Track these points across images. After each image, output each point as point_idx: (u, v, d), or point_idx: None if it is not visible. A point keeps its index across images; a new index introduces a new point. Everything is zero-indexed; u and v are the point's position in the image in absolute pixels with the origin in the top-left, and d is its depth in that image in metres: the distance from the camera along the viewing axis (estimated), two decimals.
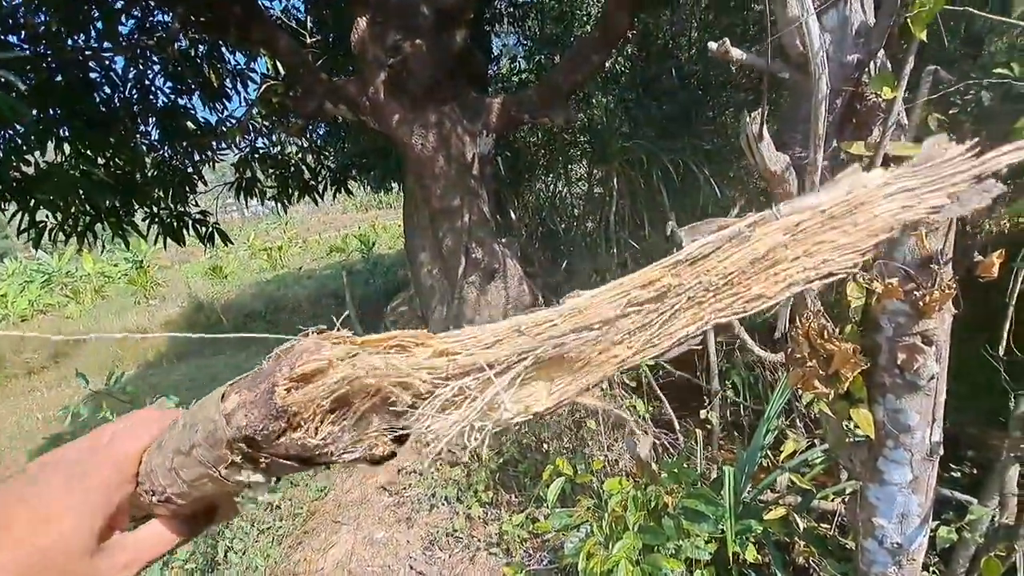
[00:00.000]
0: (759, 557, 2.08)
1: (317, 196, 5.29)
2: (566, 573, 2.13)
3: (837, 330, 1.51)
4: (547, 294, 4.70)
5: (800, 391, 2.52)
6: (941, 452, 1.65)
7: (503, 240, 3.90)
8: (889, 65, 1.32)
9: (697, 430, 2.63)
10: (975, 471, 3.05)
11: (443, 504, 2.79)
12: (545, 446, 2.81)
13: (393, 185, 8.49)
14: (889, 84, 1.23)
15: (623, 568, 1.63)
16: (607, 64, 5.01)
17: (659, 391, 2.95)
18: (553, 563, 2.26)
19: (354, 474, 3.23)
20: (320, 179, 5.49)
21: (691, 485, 1.99)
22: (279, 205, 5.43)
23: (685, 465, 2.22)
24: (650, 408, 2.85)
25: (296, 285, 10.14)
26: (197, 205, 4.77)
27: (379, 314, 6.45)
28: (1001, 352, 1.85)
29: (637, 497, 1.85)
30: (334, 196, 5.62)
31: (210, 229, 4.71)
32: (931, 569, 2.33)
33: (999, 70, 2.35)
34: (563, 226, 6.64)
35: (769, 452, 2.54)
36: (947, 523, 2.17)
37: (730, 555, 1.93)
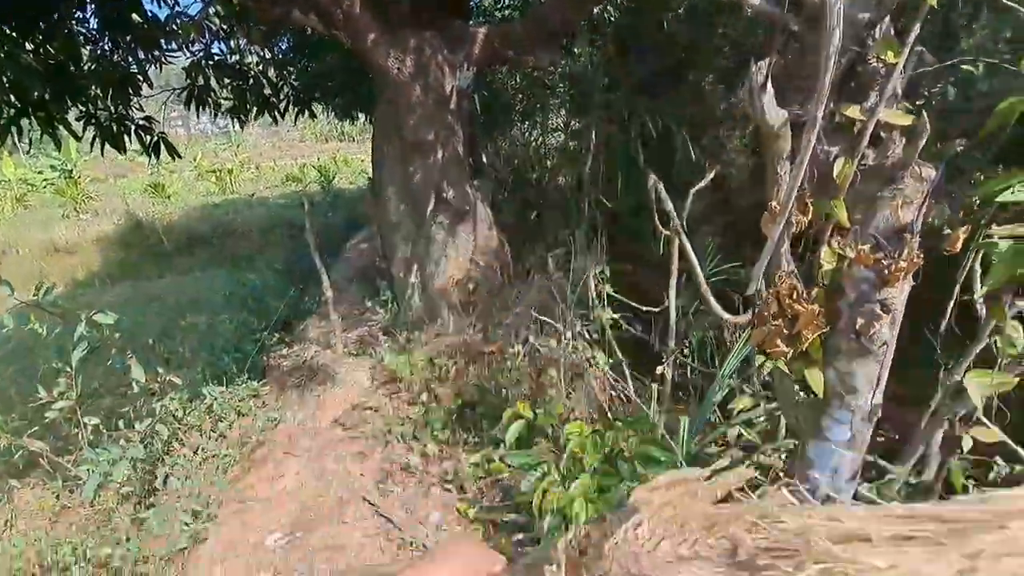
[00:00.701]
0: None
1: (277, 114, 4.98)
2: (519, 511, 2.24)
3: (806, 293, 1.59)
4: (515, 245, 4.70)
5: (755, 352, 2.67)
6: (879, 414, 1.81)
7: (475, 183, 3.83)
8: (893, 31, 1.34)
9: (653, 384, 2.75)
10: (896, 438, 3.37)
11: (398, 441, 2.85)
12: (504, 391, 2.88)
13: (359, 115, 8.08)
14: (893, 49, 1.25)
15: (578, 504, 1.73)
16: (595, 11, 4.85)
17: (618, 347, 3.05)
18: (507, 501, 2.36)
19: (307, 406, 3.23)
20: (281, 96, 5.15)
21: (646, 433, 2.10)
22: (233, 121, 5.09)
23: (640, 416, 2.34)
24: (609, 361, 2.95)
25: (247, 211, 9.69)
26: (142, 110, 4.40)
27: (338, 250, 6.29)
28: (942, 327, 2.00)
29: (595, 441, 1.94)
30: (296, 117, 5.31)
31: (155, 138, 4.37)
32: None
33: (967, 67, 2.42)
34: (536, 176, 6.57)
35: (718, 409, 2.71)
36: (869, 481, 2.40)
37: None
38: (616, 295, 3.50)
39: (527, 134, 6.40)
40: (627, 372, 3.19)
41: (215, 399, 3.43)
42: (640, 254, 5.49)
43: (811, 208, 1.39)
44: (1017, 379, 1.58)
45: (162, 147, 4.42)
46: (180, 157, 4.88)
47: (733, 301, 3.22)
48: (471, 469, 2.50)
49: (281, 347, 4.09)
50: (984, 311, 1.76)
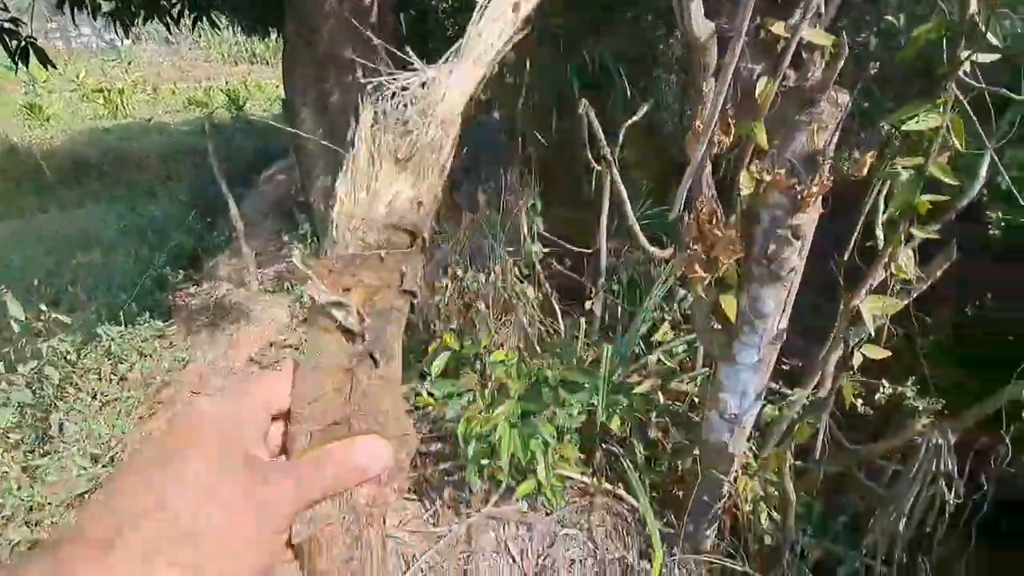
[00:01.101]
0: (622, 429, 2.38)
1: (170, 21, 4.37)
2: (445, 439, 2.26)
3: (725, 218, 1.64)
4: (445, 182, 4.54)
5: (677, 284, 2.78)
6: (784, 338, 1.94)
7: None
8: None
9: (581, 319, 2.82)
10: (801, 366, 3.70)
11: None
12: (432, 326, 2.85)
13: (271, 31, 7.31)
14: None
15: (501, 429, 1.77)
16: None
17: (549, 284, 3.09)
18: (433, 432, 2.39)
19: (218, 346, 3.05)
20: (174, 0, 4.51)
21: (570, 361, 2.15)
22: (118, 29, 4.44)
23: (566, 346, 2.39)
24: (539, 296, 2.98)
25: (144, 138, 8.70)
26: (6, 10, 3.73)
27: (251, 182, 5.83)
28: (846, 257, 2.14)
29: (521, 367, 1.97)
30: (194, 26, 4.70)
31: (23, 43, 3.75)
32: (751, 440, 2.82)
33: (889, 18, 2.50)
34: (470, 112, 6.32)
35: (642, 342, 2.83)
36: (771, 403, 2.63)
37: (598, 424, 2.18)
38: (548, 234, 3.50)
39: None
40: (557, 307, 3.25)
41: (113, 340, 3.17)
42: (574, 192, 5.52)
43: (733, 129, 1.40)
44: (905, 303, 1.73)
45: (31, 54, 3.79)
46: (54, 67, 4.24)
47: (664, 242, 3.32)
48: None
49: (188, 285, 3.81)
50: (883, 239, 1.90)
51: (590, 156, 2.65)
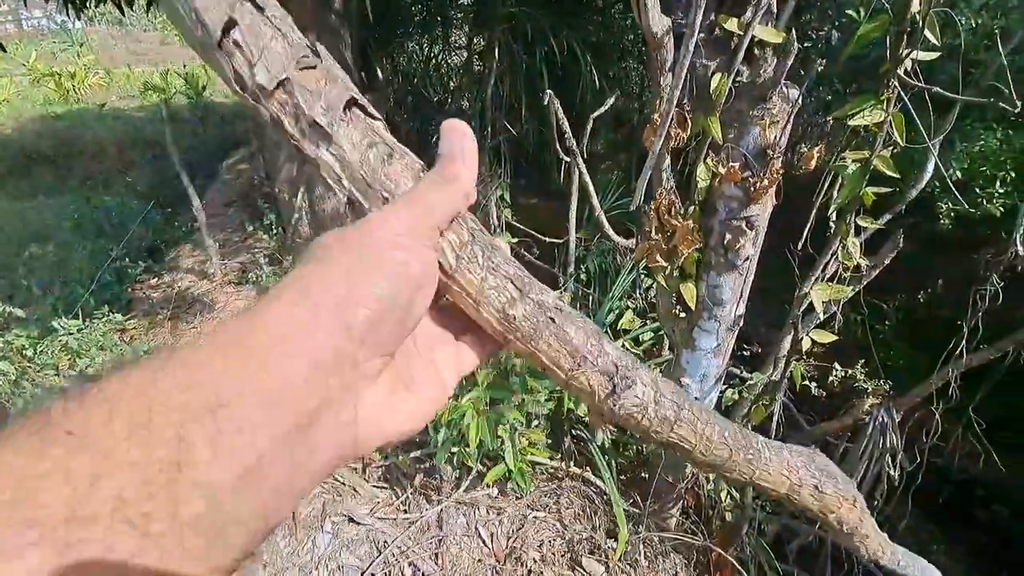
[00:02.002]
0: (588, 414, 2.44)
1: (122, 1, 4.20)
2: None
3: (683, 209, 1.70)
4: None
5: (643, 274, 2.86)
6: (742, 323, 2.03)
7: (368, 98, 3.57)
8: None
9: None
10: (759, 351, 3.85)
11: None
12: None
13: None
14: None
15: (469, 416, 1.81)
16: None
17: None
18: None
19: (181, 339, 3.00)
20: None
21: None
22: (69, 9, 4.25)
23: None
24: None
25: (98, 125, 8.35)
26: None
27: (213, 171, 5.68)
28: (799, 247, 2.24)
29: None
30: (149, 8, 4.52)
31: None
32: None
33: (850, 11, 2.59)
34: (437, 99, 6.27)
35: (609, 329, 2.90)
36: (732, 387, 2.73)
37: (565, 409, 2.24)
38: (519, 224, 3.53)
39: (427, 49, 6.03)
40: None
41: (71, 334, 3.08)
42: (544, 183, 5.55)
43: (689, 123, 1.46)
44: (852, 289, 1.83)
45: None
46: (3, 51, 4.05)
47: (631, 232, 3.39)
48: None
49: (148, 277, 3.72)
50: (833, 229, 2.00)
51: (559, 148, 2.68)
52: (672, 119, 1.40)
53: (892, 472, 2.11)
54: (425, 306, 0.34)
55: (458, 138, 0.39)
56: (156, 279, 3.65)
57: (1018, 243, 1.35)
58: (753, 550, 2.55)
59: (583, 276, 3.23)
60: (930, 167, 1.98)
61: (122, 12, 3.85)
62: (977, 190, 4.29)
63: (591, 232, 3.74)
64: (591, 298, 3.42)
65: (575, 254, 3.24)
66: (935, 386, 1.94)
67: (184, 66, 10.24)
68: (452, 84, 6.20)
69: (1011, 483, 3.57)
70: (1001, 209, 3.87)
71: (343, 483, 2.22)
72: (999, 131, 4.41)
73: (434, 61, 5.98)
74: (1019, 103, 1.56)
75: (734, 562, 2.39)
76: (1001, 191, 4.16)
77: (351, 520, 2.13)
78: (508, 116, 4.89)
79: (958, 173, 4.18)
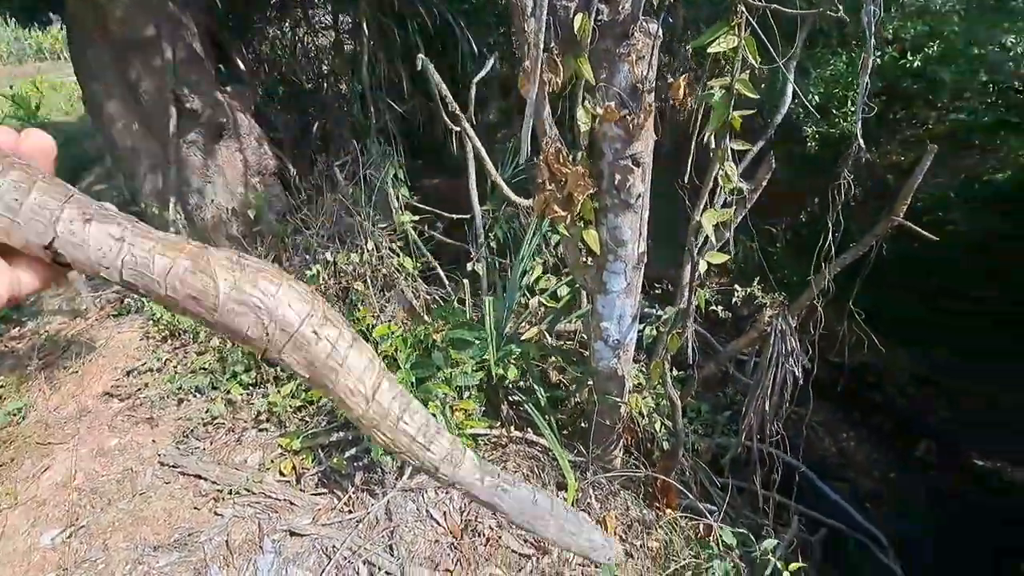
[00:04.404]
0: (522, 379, 2.50)
1: None
2: (346, 427, 2.23)
3: (571, 156, 1.75)
4: (300, 163, 4.29)
5: (550, 231, 2.92)
6: (645, 260, 2.14)
7: (228, 89, 3.32)
8: None
9: (465, 280, 2.87)
10: (669, 288, 4.11)
11: (194, 396, 2.57)
12: None
13: (52, 18, 6.26)
14: None
15: None
16: None
17: (425, 249, 3.09)
18: (331, 422, 2.34)
19: (62, 387, 2.70)
20: None
21: (458, 322, 2.20)
22: None
23: (452, 308, 2.44)
24: (419, 265, 2.98)
25: None
26: None
27: None
28: (685, 180, 2.39)
29: (406, 337, 1.98)
30: None
31: None
32: (639, 363, 3.10)
33: None
34: (310, 85, 5.95)
35: (528, 292, 2.95)
36: (650, 325, 2.90)
37: (495, 376, 2.27)
38: (422, 204, 3.48)
39: (290, 33, 5.68)
40: (442, 275, 3.27)
41: None
42: (441, 159, 5.48)
43: (561, 67, 1.49)
44: (733, 210, 1.99)
45: None
46: None
47: (531, 193, 3.43)
48: (285, 402, 2.39)
49: (7, 328, 3.29)
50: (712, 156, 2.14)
51: (444, 116, 2.65)
52: (543, 64, 1.42)
53: (796, 372, 2.33)
54: None
55: None
56: (17, 328, 3.23)
57: (858, 135, 1.52)
58: (692, 470, 2.77)
59: (493, 244, 3.26)
60: (789, 90, 2.18)
61: None
62: (834, 112, 4.78)
63: (497, 203, 3.76)
64: (506, 265, 3.47)
65: (483, 224, 3.25)
66: (819, 288, 2.17)
67: (11, 87, 8.96)
68: (324, 67, 5.90)
69: (893, 365, 4.12)
70: (855, 126, 4.36)
71: (276, 498, 2.13)
72: (844, 55, 4.92)
73: (300, 45, 5.65)
74: (848, 19, 1.75)
75: (677, 485, 2.58)
76: (853, 109, 4.67)
77: (293, 533, 2.05)
78: (391, 95, 4.75)
79: (816, 98, 4.63)
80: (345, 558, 1.94)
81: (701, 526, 2.38)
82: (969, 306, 4.13)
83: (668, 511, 2.54)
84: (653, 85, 1.63)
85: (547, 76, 1.48)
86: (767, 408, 2.46)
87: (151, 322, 2.94)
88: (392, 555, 1.97)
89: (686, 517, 2.41)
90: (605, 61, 1.60)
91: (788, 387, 2.37)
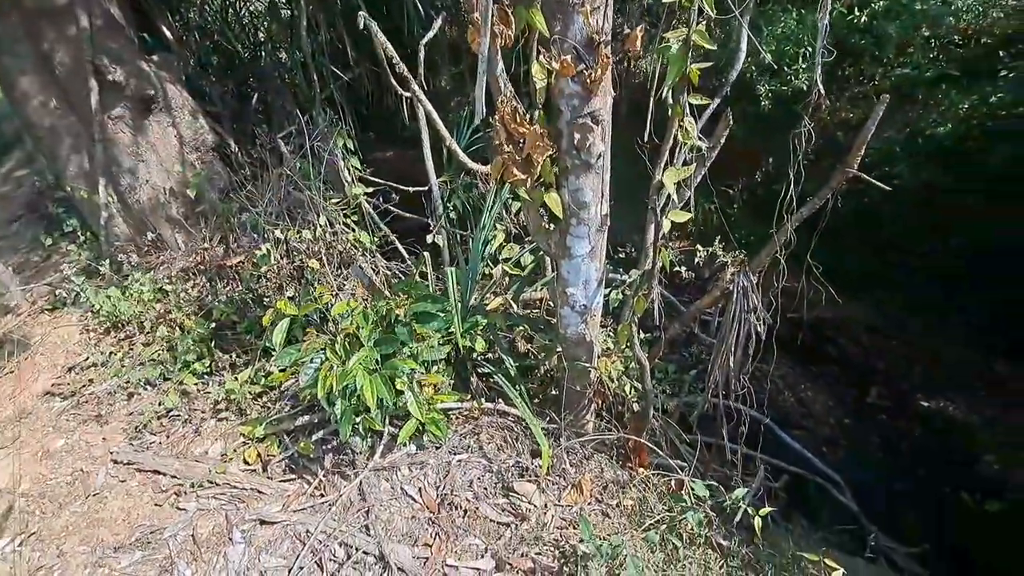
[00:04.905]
0: (490, 350, 2.48)
1: None
2: (311, 410, 2.18)
3: (528, 116, 1.70)
4: (242, 137, 4.07)
5: (510, 198, 2.88)
6: (609, 223, 2.13)
7: (155, 58, 3.09)
8: None
9: (426, 253, 2.81)
10: (633, 252, 4.15)
11: (144, 389, 2.45)
12: (266, 299, 2.64)
13: None
14: None
15: (360, 377, 1.74)
16: None
17: (381, 222, 3.00)
18: (296, 407, 2.27)
19: None
20: None
21: (421, 295, 2.15)
22: None
23: (412, 282, 2.38)
24: (376, 240, 2.89)
25: None
26: None
27: None
28: (645, 139, 2.37)
29: (367, 313, 1.92)
30: None
31: None
32: (607, 328, 3.13)
33: None
34: (247, 54, 5.62)
35: (491, 261, 2.91)
36: (615, 289, 2.92)
37: (462, 348, 2.24)
38: (375, 178, 3.36)
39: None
40: (401, 249, 3.19)
41: None
42: (394, 132, 5.31)
43: (513, 19, 1.43)
44: (693, 167, 1.99)
45: None
46: None
47: (488, 160, 3.35)
48: (244, 389, 2.31)
49: None
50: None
51: (393, 80, 2.54)
52: (494, 15, 1.36)
53: (759, 328, 2.39)
54: None
55: None
56: None
57: (819, 82, 1.53)
58: (662, 429, 2.84)
59: (452, 215, 3.19)
60: (743, 43, 2.17)
61: None
62: (786, 69, 4.85)
63: (455, 172, 3.68)
64: (465, 236, 3.41)
65: (441, 194, 3.17)
66: (782, 241, 2.21)
67: None
68: (260, 35, 5.58)
69: (848, 318, 4.31)
70: (806, 84, 4.43)
71: (242, 488, 2.07)
72: (794, 12, 4.97)
73: (232, 10, 5.31)
74: None
75: (649, 444, 2.64)
76: (804, 66, 4.75)
77: (263, 522, 2.00)
78: (336, 63, 4.53)
79: (768, 56, 4.68)
80: (320, 542, 1.91)
81: (673, 481, 2.46)
82: (916, 260, 4.34)
83: (641, 470, 2.61)
84: (609, 37, 1.59)
85: (498, 28, 1.42)
86: (731, 365, 2.52)
87: (90, 314, 2.77)
88: (369, 535, 1.95)
89: (658, 474, 2.47)
90: (559, 12, 1.54)
91: (752, 343, 2.43)
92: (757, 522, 2.00)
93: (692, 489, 2.10)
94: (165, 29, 3.96)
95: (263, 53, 5.30)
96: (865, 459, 3.68)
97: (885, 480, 3.49)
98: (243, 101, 4.65)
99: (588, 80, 1.59)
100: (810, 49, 4.85)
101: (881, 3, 4.60)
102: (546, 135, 1.71)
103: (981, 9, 4.49)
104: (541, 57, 1.56)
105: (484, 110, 1.60)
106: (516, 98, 1.63)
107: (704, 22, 1.67)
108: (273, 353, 2.36)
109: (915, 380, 4.11)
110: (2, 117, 6.87)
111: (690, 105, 1.85)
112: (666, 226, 1.94)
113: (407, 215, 3.50)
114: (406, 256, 3.12)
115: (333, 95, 4.32)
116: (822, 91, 1.54)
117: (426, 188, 3.12)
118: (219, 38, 5.15)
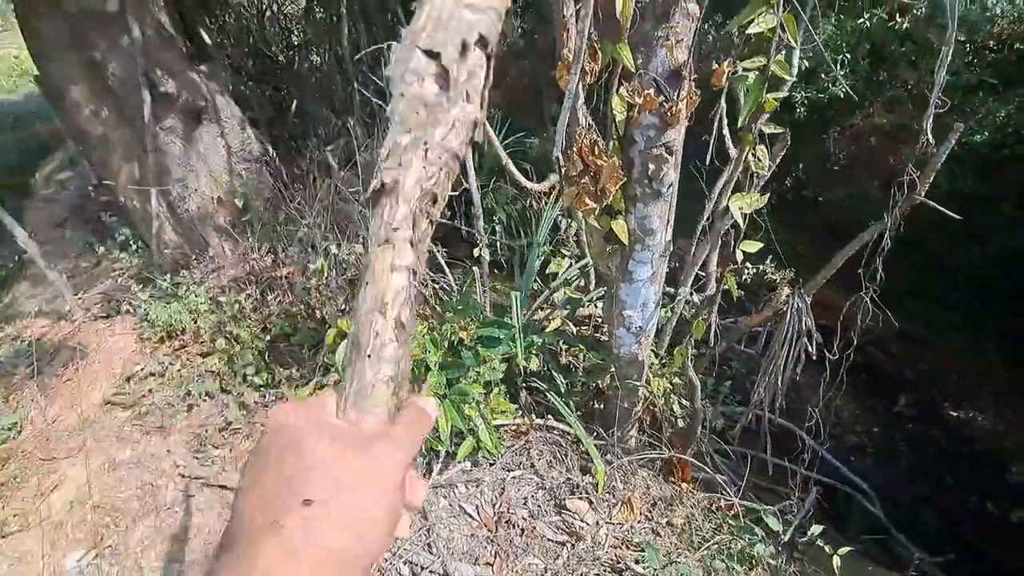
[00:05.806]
0: (540, 366, 2.47)
1: None
2: None
3: (605, 148, 1.69)
4: (280, 145, 4.07)
5: (562, 216, 2.87)
6: (672, 249, 2.12)
7: (203, 69, 3.09)
8: None
9: (474, 268, 2.80)
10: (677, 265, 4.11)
11: (204, 400, 2.47)
12: (318, 312, 2.65)
13: None
14: None
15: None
16: None
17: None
18: None
19: (58, 397, 2.57)
20: None
21: (479, 317, 2.16)
22: None
23: (468, 302, 2.38)
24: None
25: None
26: None
27: (23, 187, 4.71)
28: (707, 163, 2.35)
29: (435, 338, 1.93)
30: None
31: None
32: (655, 345, 3.10)
33: None
34: (283, 58, 5.62)
35: (537, 276, 2.90)
36: (663, 306, 2.90)
37: (521, 368, 2.25)
38: None
39: (257, 3, 5.33)
40: (443, 262, 3.18)
41: None
42: None
43: (600, 54, 1.42)
44: (766, 196, 1.96)
45: None
46: None
47: (527, 172, 3.34)
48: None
49: None
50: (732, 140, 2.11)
51: None
52: (584, 53, 1.35)
53: (811, 349, 2.37)
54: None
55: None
56: None
57: (927, 130, 1.49)
58: (706, 445, 2.83)
59: (498, 227, 3.18)
60: (795, 62, 2.13)
61: None
62: (823, 76, 4.77)
63: (484, 178, 3.66)
64: (506, 246, 3.39)
65: (482, 206, 3.16)
66: (831, 272, 2.19)
67: None
68: (296, 38, 5.58)
69: (884, 328, 4.26)
70: (844, 90, 4.36)
71: None
72: (833, 18, 4.88)
73: (269, 13, 5.31)
74: None
75: (692, 460, 2.64)
76: (842, 73, 4.66)
77: None
78: (372, 68, 4.51)
79: (805, 63, 4.61)
80: (386, 559, 1.93)
81: (722, 501, 2.46)
82: (950, 268, 4.28)
83: (684, 485, 2.61)
84: (693, 70, 1.57)
85: (588, 65, 1.41)
86: (779, 384, 2.51)
87: (145, 323, 2.80)
88: (431, 552, 1.97)
89: (700, 488, 2.48)
90: (642, 46, 1.53)
91: (801, 363, 2.42)
92: (836, 562, 1.97)
93: (766, 522, 2.09)
94: (205, 35, 3.96)
95: (297, 58, 5.30)
96: (893, 468, 3.65)
97: (911, 489, 3.47)
98: (279, 107, 4.65)
99: (668, 113, 1.57)
100: (848, 56, 4.78)
101: (923, 9, 4.51)
102: (621, 164, 1.70)
103: (1017, 14, 4.39)
104: (622, 90, 1.55)
105: (564, 143, 1.59)
106: (595, 130, 1.62)
107: (784, 52, 1.64)
108: (332, 367, 2.38)
109: (945, 389, 4.07)
110: (35, 116, 6.93)
111: (761, 132, 1.82)
112: (739, 256, 1.92)
113: (446, 223, 3.50)
114: (447, 269, 3.11)
115: (372, 101, 4.31)
116: (931, 140, 1.51)
117: (457, 192, 3.10)
118: (255, 42, 5.15)
